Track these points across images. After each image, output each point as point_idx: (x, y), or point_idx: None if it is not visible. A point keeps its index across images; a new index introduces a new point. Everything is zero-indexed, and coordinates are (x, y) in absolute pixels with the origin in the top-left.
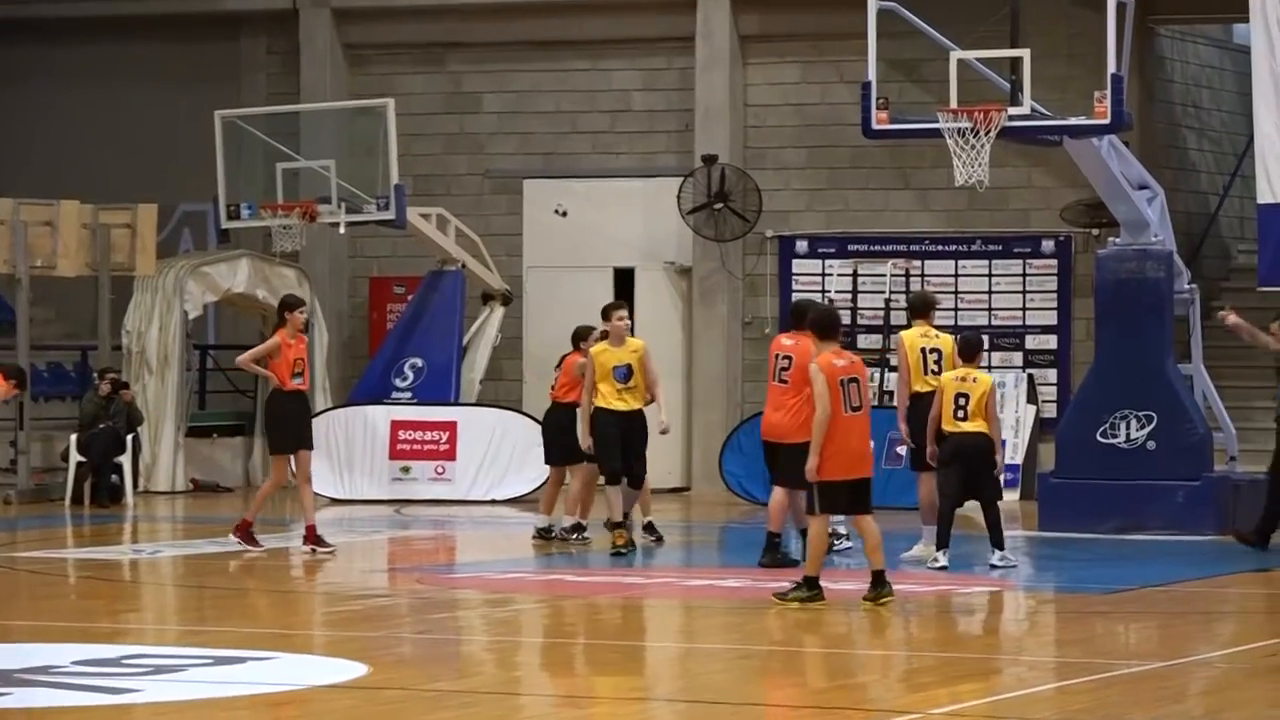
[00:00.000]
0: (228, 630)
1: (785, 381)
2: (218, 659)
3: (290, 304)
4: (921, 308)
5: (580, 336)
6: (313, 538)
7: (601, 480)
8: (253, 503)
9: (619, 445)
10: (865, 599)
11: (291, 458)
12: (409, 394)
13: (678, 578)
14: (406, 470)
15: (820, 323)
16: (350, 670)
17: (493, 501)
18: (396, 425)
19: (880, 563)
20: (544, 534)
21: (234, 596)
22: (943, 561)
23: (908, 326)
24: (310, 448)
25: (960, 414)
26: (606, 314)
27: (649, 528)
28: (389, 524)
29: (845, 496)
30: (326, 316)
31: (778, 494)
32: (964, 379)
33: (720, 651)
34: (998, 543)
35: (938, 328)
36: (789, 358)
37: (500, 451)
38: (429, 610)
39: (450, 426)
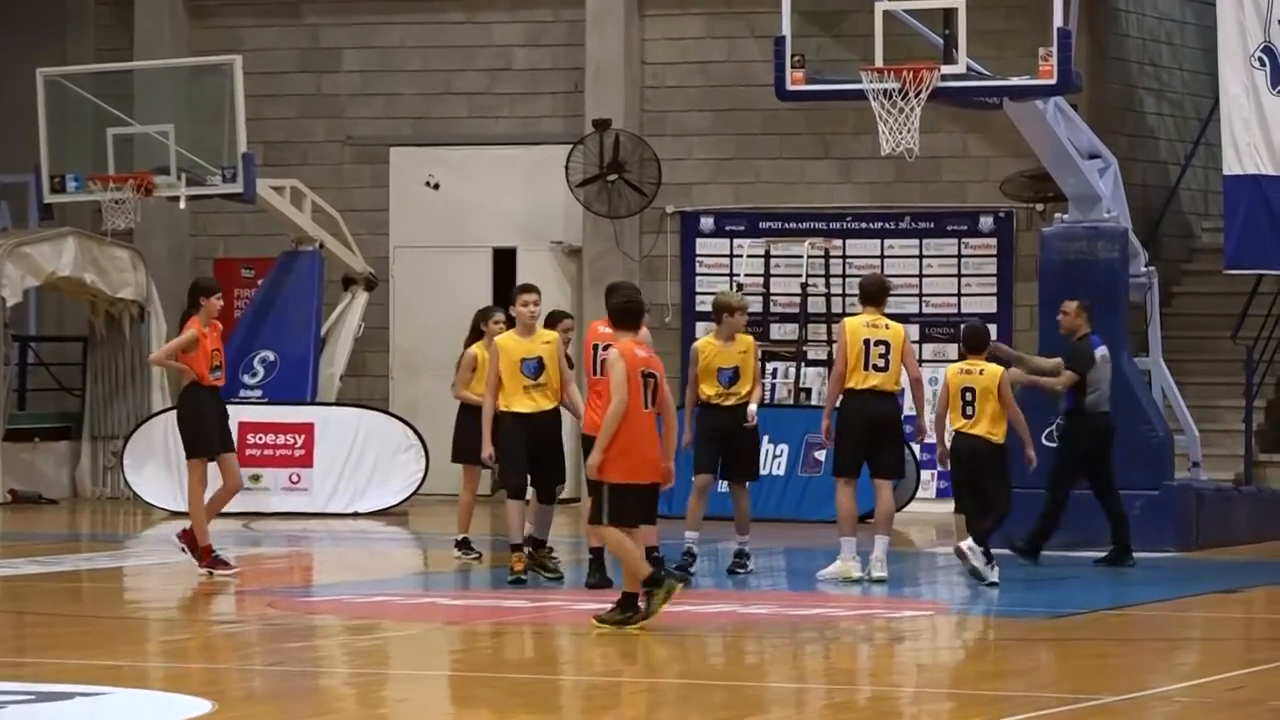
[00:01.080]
0: (52, 662)
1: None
2: (40, 695)
3: (204, 288)
4: (875, 293)
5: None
6: (209, 558)
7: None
8: (195, 524)
9: (524, 453)
10: (600, 619)
11: (204, 462)
12: (259, 392)
13: (565, 601)
14: (256, 479)
15: (622, 309)
16: (193, 707)
17: (355, 514)
18: (245, 428)
19: (636, 586)
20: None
21: (59, 623)
22: (993, 577)
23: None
24: (233, 449)
25: (969, 410)
26: (513, 298)
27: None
28: (236, 540)
29: (638, 504)
30: (164, 304)
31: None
32: (969, 370)
33: (610, 684)
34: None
35: (892, 316)
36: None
37: (364, 458)
38: (282, 639)
39: (306, 429)
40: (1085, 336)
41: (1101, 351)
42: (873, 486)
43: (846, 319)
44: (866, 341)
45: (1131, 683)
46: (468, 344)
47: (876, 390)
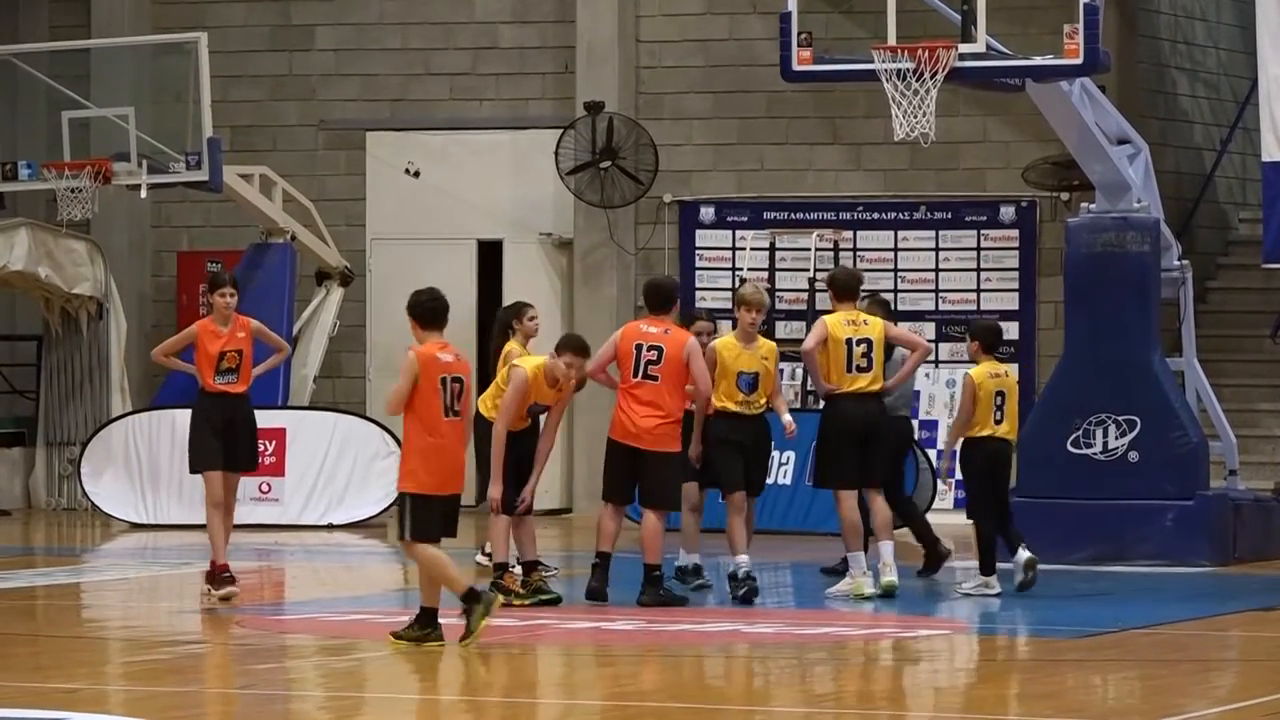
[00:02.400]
0: (3, 685)
1: (655, 377)
2: None
3: (211, 282)
4: (848, 287)
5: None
6: (216, 577)
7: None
8: (211, 544)
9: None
10: (396, 635)
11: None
12: None
13: (556, 619)
14: None
15: (427, 309)
16: None
17: (330, 527)
18: None
19: (434, 600)
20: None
21: (12, 643)
22: (996, 589)
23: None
24: (239, 466)
25: (999, 415)
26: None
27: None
28: (202, 554)
29: (440, 517)
30: (125, 300)
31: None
32: (997, 375)
33: (601, 708)
34: (987, 567)
35: (909, 314)
36: (658, 348)
37: (339, 466)
38: (252, 660)
39: (278, 434)
40: None
41: (901, 352)
42: (866, 496)
43: (825, 318)
44: (848, 341)
45: (1163, 706)
46: (498, 349)
47: (862, 392)
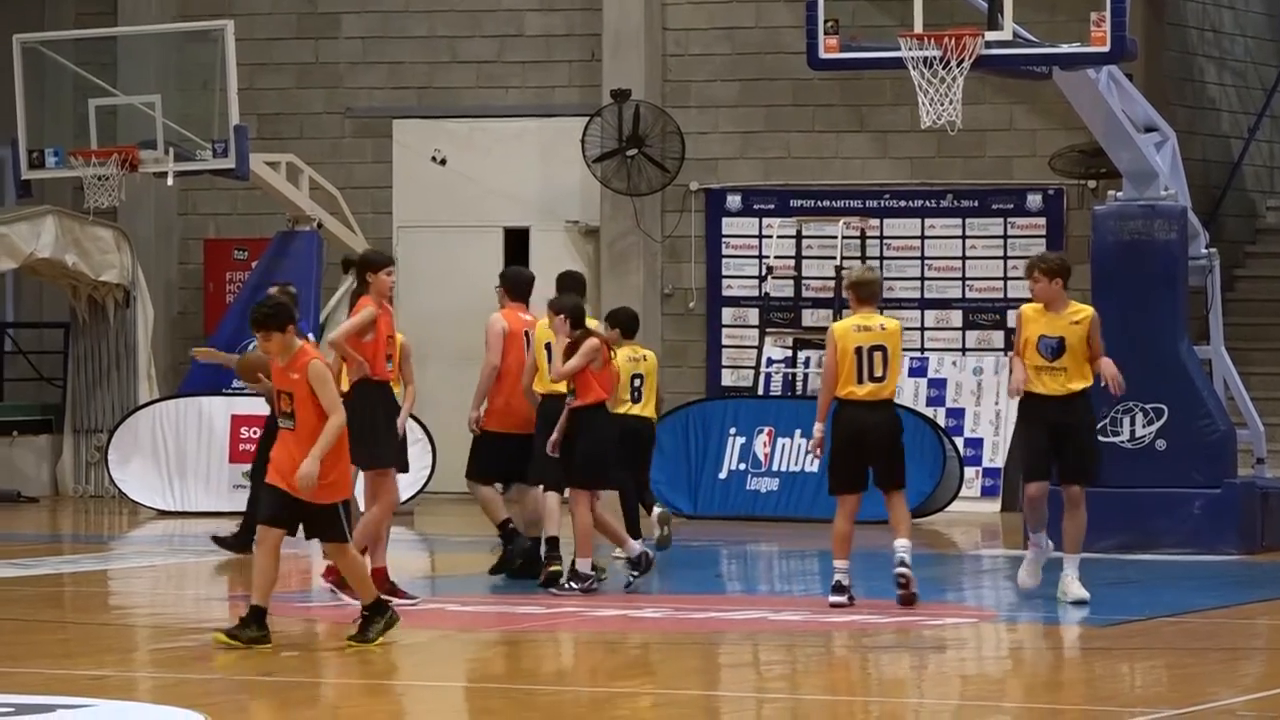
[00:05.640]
0: (32, 672)
1: None
2: (20, 707)
3: (373, 262)
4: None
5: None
6: (386, 585)
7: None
8: (371, 547)
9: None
10: (351, 639)
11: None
12: None
13: (584, 607)
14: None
15: (267, 314)
16: None
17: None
18: (238, 421)
19: (371, 595)
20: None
21: (39, 630)
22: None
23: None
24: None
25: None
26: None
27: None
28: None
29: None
30: (152, 288)
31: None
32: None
33: (636, 696)
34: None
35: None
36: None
37: None
38: (278, 647)
39: None
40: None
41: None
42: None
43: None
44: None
45: (1192, 695)
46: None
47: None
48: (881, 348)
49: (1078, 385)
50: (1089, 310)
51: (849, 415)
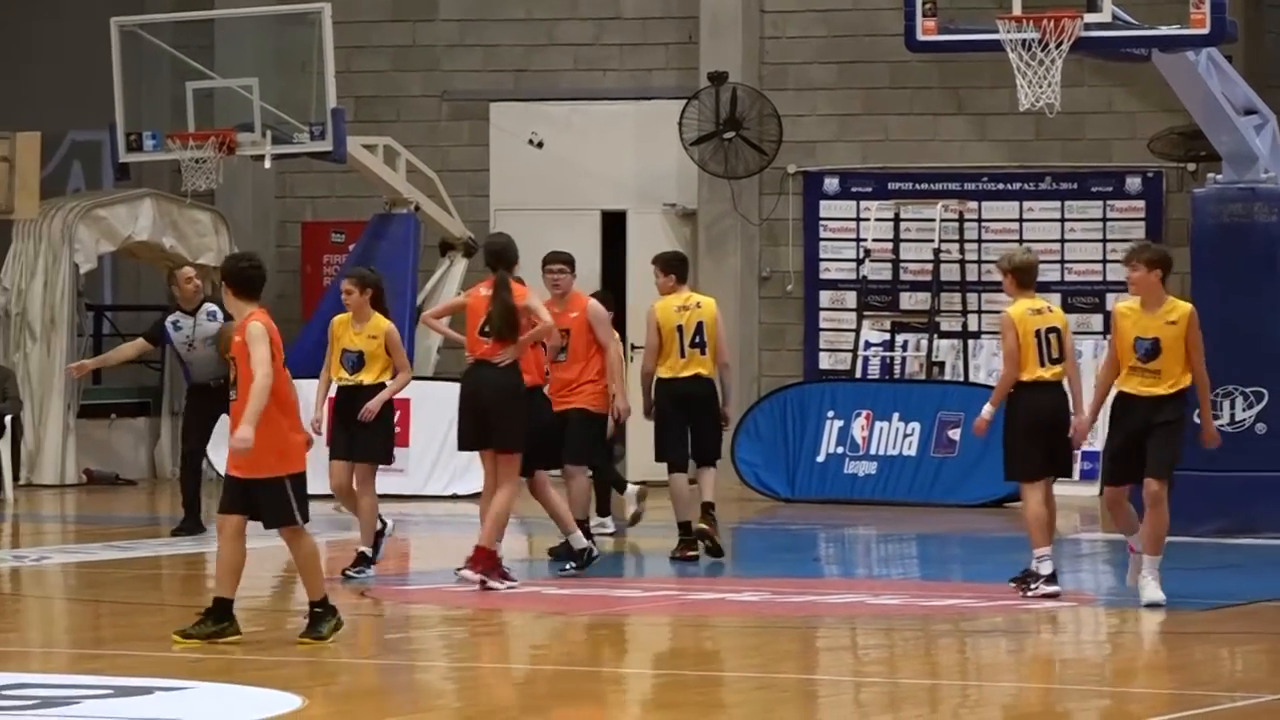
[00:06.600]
0: (130, 654)
1: None
2: (119, 689)
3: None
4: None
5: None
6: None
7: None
8: (488, 526)
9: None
10: (303, 637)
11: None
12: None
13: (679, 590)
14: None
15: (241, 275)
16: (280, 703)
17: (454, 497)
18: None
19: (320, 592)
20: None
21: (137, 613)
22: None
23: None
24: (493, 445)
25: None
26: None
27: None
28: (326, 525)
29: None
30: None
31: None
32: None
33: (736, 680)
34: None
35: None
36: None
37: None
38: (376, 629)
39: (402, 405)
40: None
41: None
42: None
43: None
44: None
45: None
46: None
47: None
48: (1055, 330)
49: (1172, 389)
50: (1186, 308)
51: (1030, 399)
